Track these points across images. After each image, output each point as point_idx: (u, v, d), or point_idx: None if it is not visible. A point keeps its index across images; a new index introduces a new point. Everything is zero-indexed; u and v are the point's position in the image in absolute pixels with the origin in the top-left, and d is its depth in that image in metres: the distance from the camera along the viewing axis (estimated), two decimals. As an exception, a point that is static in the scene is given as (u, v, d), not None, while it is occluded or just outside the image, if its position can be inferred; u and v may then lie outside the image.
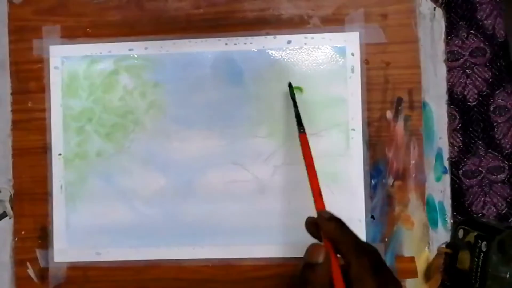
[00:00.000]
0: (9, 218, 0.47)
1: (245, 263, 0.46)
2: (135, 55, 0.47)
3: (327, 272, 0.32)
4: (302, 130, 0.41)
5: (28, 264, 0.47)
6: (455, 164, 0.46)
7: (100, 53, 0.47)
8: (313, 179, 0.38)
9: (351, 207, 0.45)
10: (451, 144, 0.46)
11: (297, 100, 0.43)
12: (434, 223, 0.46)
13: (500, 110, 0.46)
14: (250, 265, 0.46)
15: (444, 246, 0.46)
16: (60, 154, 0.47)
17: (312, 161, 0.39)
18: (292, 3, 0.46)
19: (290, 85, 0.44)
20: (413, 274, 0.45)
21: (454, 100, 0.47)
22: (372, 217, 0.45)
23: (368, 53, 0.46)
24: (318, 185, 0.37)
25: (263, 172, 0.46)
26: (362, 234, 0.45)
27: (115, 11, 0.47)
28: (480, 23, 0.47)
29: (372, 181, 0.45)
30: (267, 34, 0.46)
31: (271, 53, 0.46)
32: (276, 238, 0.46)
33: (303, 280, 0.33)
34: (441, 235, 0.46)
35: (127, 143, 0.47)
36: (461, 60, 0.47)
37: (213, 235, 0.46)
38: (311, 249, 0.34)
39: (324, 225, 0.35)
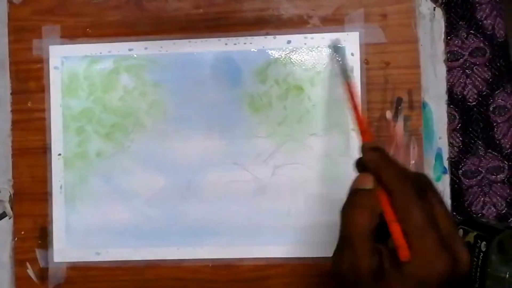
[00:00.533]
0: (9, 218, 0.47)
1: (245, 263, 0.46)
2: (135, 55, 0.47)
3: (376, 197, 0.32)
4: (347, 78, 0.43)
5: (27, 264, 0.47)
6: (454, 164, 0.46)
7: (100, 53, 0.47)
8: (357, 113, 0.38)
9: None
10: (450, 144, 0.46)
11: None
12: (433, 223, 0.46)
13: (500, 110, 0.46)
14: (250, 265, 0.46)
15: (443, 246, 0.46)
16: (60, 154, 0.47)
17: (356, 99, 0.40)
18: (292, 3, 0.46)
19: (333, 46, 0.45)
20: (412, 274, 0.45)
21: (454, 100, 0.47)
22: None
23: (368, 53, 0.46)
24: (363, 119, 0.38)
25: (263, 172, 0.46)
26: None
27: (115, 11, 0.47)
28: (480, 23, 0.47)
29: (372, 181, 0.45)
30: (267, 34, 0.46)
31: (271, 53, 0.46)
32: (276, 238, 0.46)
33: (352, 205, 0.32)
34: (441, 235, 0.46)
35: (127, 143, 0.47)
36: (461, 60, 0.47)
37: (213, 235, 0.46)
38: (359, 176, 0.33)
39: (367, 155, 0.34)
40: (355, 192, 0.33)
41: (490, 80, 0.47)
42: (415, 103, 0.46)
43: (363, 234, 0.30)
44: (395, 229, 0.30)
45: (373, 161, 0.33)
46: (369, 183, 0.32)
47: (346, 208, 0.32)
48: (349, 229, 0.31)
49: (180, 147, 0.46)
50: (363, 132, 0.37)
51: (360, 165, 0.35)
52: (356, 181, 0.33)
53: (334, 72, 0.46)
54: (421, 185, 0.31)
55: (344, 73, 0.43)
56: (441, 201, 0.32)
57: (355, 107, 0.39)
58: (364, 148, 0.35)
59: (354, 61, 0.46)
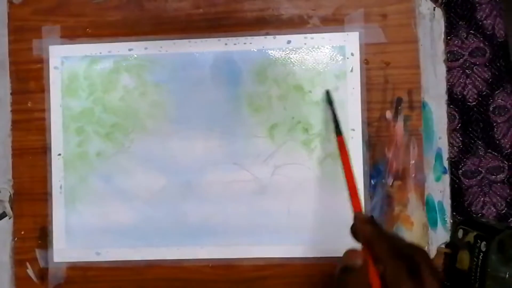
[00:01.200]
0: (9, 218, 0.47)
1: (245, 263, 0.46)
2: (135, 55, 0.47)
3: (365, 275, 0.32)
4: (339, 133, 0.43)
5: (27, 264, 0.47)
6: (454, 164, 0.46)
7: (100, 53, 0.47)
8: (350, 181, 0.38)
9: (351, 207, 0.45)
10: (450, 144, 0.46)
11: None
12: (433, 223, 0.46)
13: (500, 110, 0.46)
14: (250, 265, 0.46)
15: (443, 246, 0.46)
16: (59, 154, 0.47)
17: (349, 162, 0.39)
18: (292, 3, 0.46)
19: (328, 92, 0.45)
20: (412, 274, 0.45)
21: (454, 100, 0.47)
22: (372, 217, 0.45)
23: (367, 53, 0.46)
24: (356, 187, 0.38)
25: (263, 172, 0.46)
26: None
27: (115, 11, 0.47)
28: (480, 23, 0.47)
29: (372, 181, 0.45)
30: (267, 34, 0.46)
31: (271, 53, 0.46)
32: (276, 238, 0.46)
33: (341, 284, 0.32)
34: (441, 235, 0.46)
35: (127, 143, 0.47)
36: (461, 60, 0.47)
37: (213, 235, 0.46)
38: (348, 253, 0.34)
39: (360, 228, 0.34)
40: (343, 270, 0.33)
41: (490, 80, 0.47)
42: (415, 103, 0.46)
43: None
44: None
45: (366, 235, 0.34)
46: (358, 259, 0.33)
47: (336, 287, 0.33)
48: None
49: (180, 147, 0.46)
50: (354, 199, 0.37)
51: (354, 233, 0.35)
52: (345, 257, 0.34)
53: (334, 72, 0.46)
54: (414, 261, 0.31)
55: (336, 128, 0.43)
56: (435, 276, 0.31)
57: (347, 168, 0.39)
58: (356, 220, 0.35)
59: (354, 61, 0.46)
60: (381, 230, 0.34)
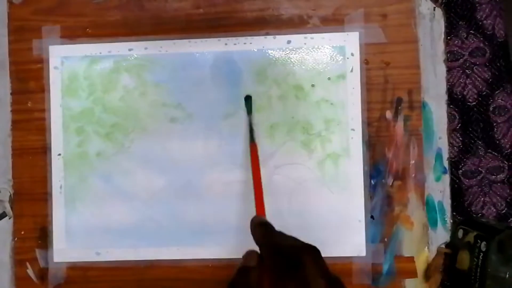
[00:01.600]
0: (9, 218, 0.47)
1: (245, 263, 0.46)
2: (135, 55, 0.47)
3: (258, 276, 0.32)
4: (252, 140, 0.44)
5: (27, 264, 0.47)
6: (454, 164, 0.46)
7: (100, 53, 0.47)
8: (257, 186, 0.40)
9: (350, 207, 0.45)
10: (450, 144, 0.46)
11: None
12: (433, 223, 0.46)
13: (500, 110, 0.46)
14: (250, 265, 0.46)
15: (443, 246, 0.46)
16: (59, 154, 0.47)
17: (259, 169, 0.42)
18: (292, 3, 0.46)
19: (247, 98, 0.46)
20: (412, 274, 0.45)
21: (454, 100, 0.47)
22: (372, 217, 0.45)
23: (367, 53, 0.46)
24: (261, 192, 0.39)
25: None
26: (361, 234, 0.45)
27: (115, 11, 0.47)
28: (480, 23, 0.47)
29: (372, 181, 0.45)
30: (267, 34, 0.46)
31: (271, 53, 0.46)
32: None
33: (235, 284, 0.32)
34: (441, 235, 0.46)
35: (127, 143, 0.47)
36: (461, 60, 0.47)
37: (213, 235, 0.46)
38: (246, 254, 0.34)
39: (253, 231, 0.35)
40: (239, 271, 0.33)
41: (490, 80, 0.47)
42: (415, 103, 0.46)
43: None
44: None
45: (257, 237, 0.35)
46: (253, 260, 0.33)
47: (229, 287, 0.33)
48: None
49: (180, 147, 0.46)
50: (258, 204, 0.38)
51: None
52: (243, 257, 0.34)
53: (334, 72, 0.46)
54: (296, 261, 0.31)
55: (250, 133, 0.44)
56: (320, 274, 0.30)
57: (256, 174, 0.41)
58: (251, 223, 0.36)
59: (354, 61, 0.46)
60: (271, 232, 0.35)
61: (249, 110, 0.45)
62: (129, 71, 0.47)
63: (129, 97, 0.47)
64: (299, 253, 0.31)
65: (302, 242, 0.33)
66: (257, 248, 0.34)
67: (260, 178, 0.41)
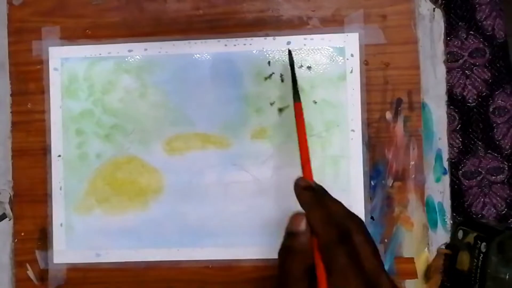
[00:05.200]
0: (9, 220, 0.47)
1: (245, 264, 0.46)
2: (135, 57, 0.47)
3: (308, 240, 0.32)
4: (297, 99, 0.40)
5: (27, 265, 0.47)
6: (454, 165, 0.46)
7: (100, 54, 0.47)
8: (303, 148, 0.37)
9: (350, 208, 0.45)
10: (450, 145, 0.46)
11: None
12: (433, 224, 0.46)
13: (500, 111, 0.46)
14: (250, 266, 0.46)
15: (443, 247, 0.46)
16: (59, 156, 0.47)
17: (305, 130, 0.38)
18: (291, 4, 0.46)
19: (290, 52, 0.43)
20: (412, 275, 0.45)
21: (454, 101, 0.47)
22: (372, 218, 0.45)
23: (367, 54, 0.46)
24: (308, 154, 0.37)
25: (263, 173, 0.46)
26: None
27: (115, 12, 0.47)
28: (480, 23, 0.47)
29: (372, 182, 0.45)
30: (267, 35, 0.46)
31: (271, 54, 0.46)
32: (276, 239, 0.45)
33: (285, 248, 0.32)
34: (441, 236, 0.46)
35: (127, 144, 0.47)
36: (461, 61, 0.47)
37: (213, 236, 0.46)
38: (293, 218, 0.33)
39: (298, 195, 0.34)
40: (288, 235, 0.33)
41: (490, 81, 0.47)
42: (414, 104, 0.46)
43: (295, 277, 0.31)
44: (319, 272, 0.31)
45: (304, 202, 0.34)
46: (301, 225, 0.32)
47: (280, 252, 0.33)
48: (282, 273, 0.32)
49: (179, 148, 0.46)
50: (304, 165, 0.36)
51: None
52: (290, 222, 0.33)
53: (334, 73, 0.46)
54: (345, 229, 0.31)
55: (294, 91, 0.40)
56: (367, 242, 0.31)
57: (302, 136, 0.38)
58: (296, 187, 0.35)
59: (353, 62, 0.46)
60: (320, 198, 0.34)
61: (291, 64, 0.42)
62: (129, 72, 0.47)
63: (129, 98, 0.47)
64: (349, 221, 0.32)
65: (350, 211, 0.33)
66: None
67: (306, 139, 0.37)
